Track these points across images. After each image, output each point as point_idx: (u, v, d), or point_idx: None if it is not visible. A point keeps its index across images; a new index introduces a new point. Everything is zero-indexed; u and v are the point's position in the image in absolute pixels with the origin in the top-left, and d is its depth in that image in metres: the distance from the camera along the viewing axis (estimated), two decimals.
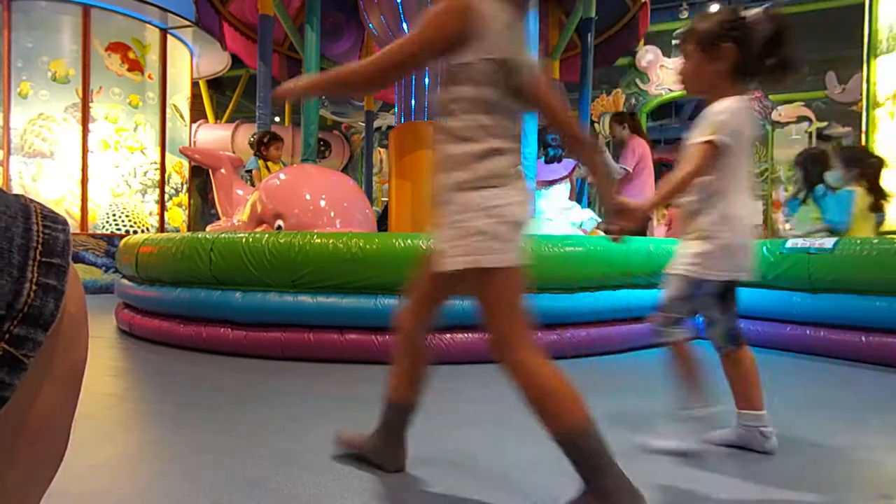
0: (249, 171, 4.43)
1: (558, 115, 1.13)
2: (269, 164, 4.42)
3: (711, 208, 1.35)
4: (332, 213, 3.29)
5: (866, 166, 3.38)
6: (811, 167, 3.52)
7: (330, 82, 1.16)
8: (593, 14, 5.21)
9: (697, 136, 1.34)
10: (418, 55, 1.07)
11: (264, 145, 4.41)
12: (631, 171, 4.54)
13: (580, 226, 3.99)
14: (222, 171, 4.23)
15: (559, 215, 4.07)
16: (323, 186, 3.44)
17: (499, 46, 1.03)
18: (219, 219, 4.37)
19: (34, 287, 0.32)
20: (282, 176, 3.61)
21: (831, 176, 3.49)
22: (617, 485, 0.95)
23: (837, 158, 3.45)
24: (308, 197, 3.32)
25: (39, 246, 0.32)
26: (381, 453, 1.23)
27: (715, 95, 1.36)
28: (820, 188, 3.46)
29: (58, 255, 0.33)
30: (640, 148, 4.62)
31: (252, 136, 4.53)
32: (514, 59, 1.05)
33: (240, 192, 4.21)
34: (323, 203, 3.32)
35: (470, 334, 2.45)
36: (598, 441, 0.97)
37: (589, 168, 1.30)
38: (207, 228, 4.13)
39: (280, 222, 3.21)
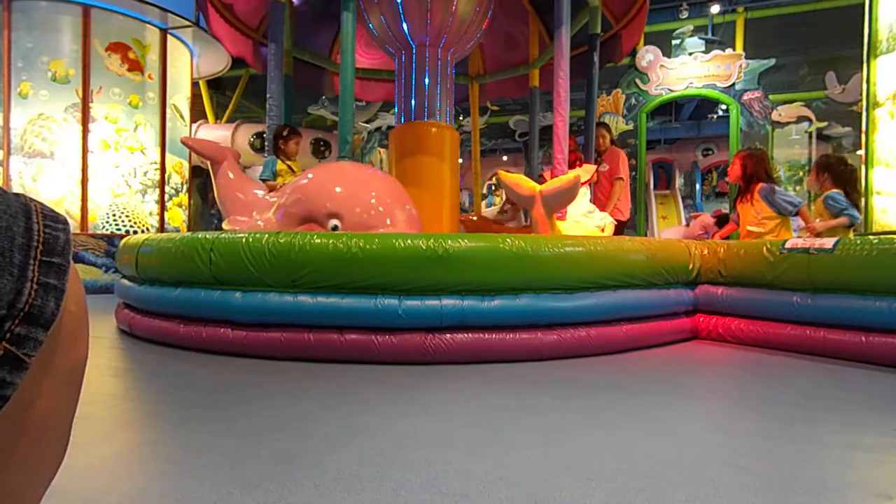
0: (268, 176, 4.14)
1: None
2: (289, 162, 4.16)
3: None
4: (386, 213, 3.23)
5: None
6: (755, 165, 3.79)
7: None
8: (598, 30, 5.28)
9: None
10: None
11: (283, 139, 4.15)
12: (625, 179, 4.97)
13: (602, 229, 4.10)
14: (224, 166, 4.12)
15: (583, 219, 4.13)
16: (376, 185, 3.36)
17: None
18: (219, 219, 4.26)
19: (35, 286, 0.32)
20: (327, 173, 3.48)
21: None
22: None
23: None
24: (367, 197, 3.25)
25: (40, 245, 0.32)
26: None
27: None
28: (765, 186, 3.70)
29: (58, 255, 0.33)
30: (623, 158, 5.11)
31: (252, 136, 4.42)
32: None
33: (258, 192, 4.01)
34: (377, 202, 3.26)
35: (470, 334, 2.45)
36: None
37: None
38: (224, 225, 3.87)
39: (336, 222, 3.13)
